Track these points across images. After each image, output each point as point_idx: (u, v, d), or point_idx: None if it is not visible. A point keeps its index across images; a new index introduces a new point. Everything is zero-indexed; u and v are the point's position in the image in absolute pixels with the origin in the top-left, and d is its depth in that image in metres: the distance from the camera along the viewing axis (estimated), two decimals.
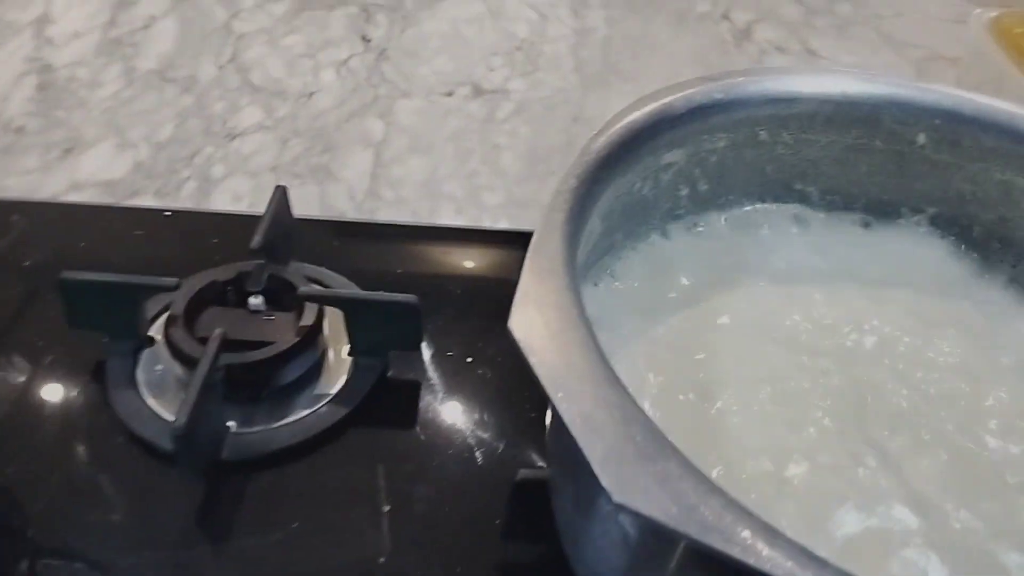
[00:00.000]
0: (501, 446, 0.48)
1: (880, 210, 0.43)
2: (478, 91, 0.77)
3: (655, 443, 0.24)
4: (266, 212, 0.52)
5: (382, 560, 0.43)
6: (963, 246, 0.42)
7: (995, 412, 0.35)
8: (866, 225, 0.44)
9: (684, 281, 0.40)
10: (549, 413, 0.41)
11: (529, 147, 0.70)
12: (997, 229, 0.41)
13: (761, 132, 0.40)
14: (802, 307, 0.39)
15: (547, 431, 0.41)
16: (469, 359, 0.53)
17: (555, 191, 0.32)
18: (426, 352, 0.52)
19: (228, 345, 0.47)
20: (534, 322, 0.27)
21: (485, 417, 0.49)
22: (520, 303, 0.27)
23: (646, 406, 0.33)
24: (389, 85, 0.77)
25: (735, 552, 0.21)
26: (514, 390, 0.51)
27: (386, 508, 0.45)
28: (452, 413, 0.49)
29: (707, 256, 0.41)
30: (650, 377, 0.36)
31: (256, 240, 0.50)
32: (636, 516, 0.22)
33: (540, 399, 0.49)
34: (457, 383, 0.51)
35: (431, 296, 0.56)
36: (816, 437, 0.34)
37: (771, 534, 0.22)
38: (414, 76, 0.78)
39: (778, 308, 0.38)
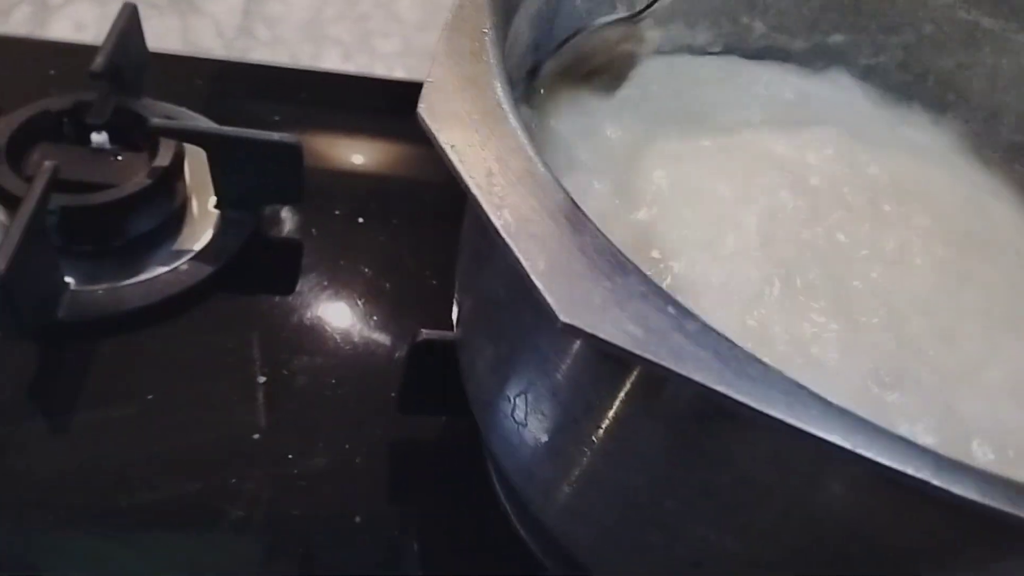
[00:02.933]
0: (395, 316, 0.42)
1: (830, 53, 0.39)
2: None
3: (611, 256, 0.19)
4: (111, 31, 0.43)
5: (256, 437, 0.37)
6: (914, 101, 0.38)
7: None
8: (811, 73, 0.39)
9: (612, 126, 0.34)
10: (465, 228, 0.30)
11: None
12: (954, 79, 0.37)
13: None
14: (760, 150, 0.34)
15: (458, 260, 0.31)
16: (360, 219, 0.46)
17: None
18: (308, 210, 0.45)
19: (63, 186, 0.39)
20: (452, 108, 0.21)
21: (378, 284, 0.43)
22: (435, 84, 0.21)
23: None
24: None
25: (720, 387, 0.17)
26: (411, 254, 0.45)
27: (261, 380, 0.39)
28: (340, 278, 0.43)
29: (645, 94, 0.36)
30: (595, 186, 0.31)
31: (98, 62, 0.41)
32: (591, 340, 0.17)
33: (443, 263, 0.43)
34: (346, 245, 0.44)
35: (314, 150, 0.49)
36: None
37: (758, 365, 0.18)
38: None
39: (731, 148, 0.33)
